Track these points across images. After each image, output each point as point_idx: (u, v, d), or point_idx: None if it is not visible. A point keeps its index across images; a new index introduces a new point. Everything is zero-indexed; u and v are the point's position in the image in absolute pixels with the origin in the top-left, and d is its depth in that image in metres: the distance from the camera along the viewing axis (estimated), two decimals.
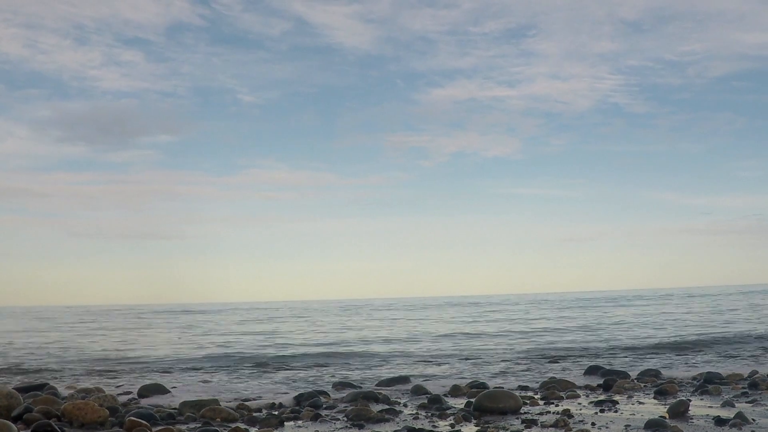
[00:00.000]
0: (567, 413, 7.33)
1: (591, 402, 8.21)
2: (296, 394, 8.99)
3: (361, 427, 6.88)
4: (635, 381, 9.90)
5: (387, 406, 8.04)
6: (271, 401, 8.68)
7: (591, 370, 10.69)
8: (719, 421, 6.64)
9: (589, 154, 66.87)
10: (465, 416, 7.22)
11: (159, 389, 9.28)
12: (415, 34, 61.75)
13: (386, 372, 12.20)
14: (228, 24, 60.68)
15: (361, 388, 9.39)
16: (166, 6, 61.02)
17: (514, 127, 65.72)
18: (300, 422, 7.23)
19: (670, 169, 67.41)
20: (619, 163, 67.06)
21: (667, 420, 6.72)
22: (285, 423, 7.11)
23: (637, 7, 62.14)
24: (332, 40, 61.24)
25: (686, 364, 12.79)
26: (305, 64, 63.84)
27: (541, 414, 7.42)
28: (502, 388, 9.06)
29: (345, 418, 7.30)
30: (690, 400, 7.87)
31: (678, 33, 62.72)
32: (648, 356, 14.29)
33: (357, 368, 13.07)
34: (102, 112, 63.38)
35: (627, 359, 13.72)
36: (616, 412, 7.56)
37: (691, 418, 6.99)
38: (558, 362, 13.22)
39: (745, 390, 8.93)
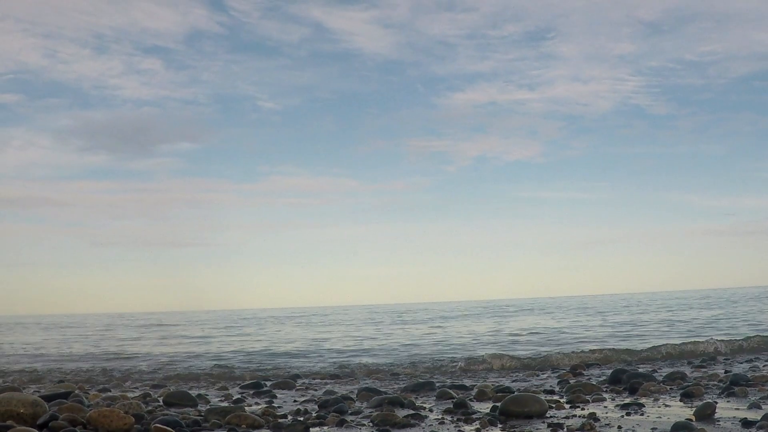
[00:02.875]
0: (593, 417, 7.32)
1: (617, 405, 8.19)
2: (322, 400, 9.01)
3: None
4: (661, 384, 9.87)
5: (412, 411, 8.05)
6: (297, 407, 8.71)
7: (616, 374, 10.65)
8: (746, 423, 6.61)
9: (610, 157, 66.85)
10: (491, 421, 7.22)
11: (184, 396, 9.31)
12: (434, 39, 61.94)
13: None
14: (247, 31, 61.06)
15: (386, 393, 9.39)
16: (185, 14, 61.43)
17: (536, 131, 65.86)
18: (326, 428, 7.25)
19: (693, 171, 67.28)
20: (640, 165, 66.98)
21: (693, 423, 6.70)
22: (311, 429, 7.13)
23: (656, 8, 62.11)
24: (351, 46, 61.52)
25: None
26: (325, 70, 64.14)
27: (567, 418, 7.41)
28: (528, 391, 9.06)
29: (370, 424, 7.31)
30: (716, 403, 7.84)
31: (698, 33, 62.64)
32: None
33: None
34: (123, 120, 63.88)
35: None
36: (642, 415, 7.54)
37: (718, 421, 6.96)
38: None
39: None
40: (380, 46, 62.98)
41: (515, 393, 8.62)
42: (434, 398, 9.38)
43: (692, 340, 17.67)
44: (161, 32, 63.26)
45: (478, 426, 7.08)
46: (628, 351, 16.10)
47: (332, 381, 12.28)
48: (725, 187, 70.03)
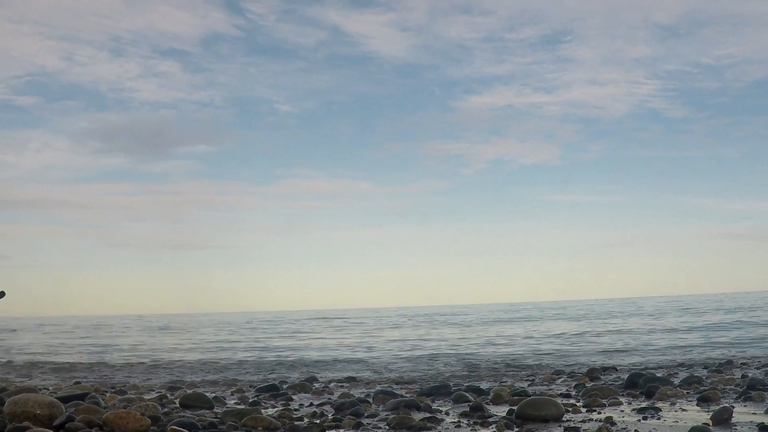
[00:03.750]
0: (610, 421, 7.31)
1: (634, 409, 8.17)
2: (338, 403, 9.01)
3: None
4: (678, 388, 9.85)
5: (428, 414, 8.05)
6: (313, 410, 8.73)
7: (633, 377, 10.62)
8: (763, 428, 6.59)
9: (627, 160, 66.68)
10: (507, 424, 7.22)
11: (201, 398, 9.34)
12: (451, 42, 61.93)
13: None
14: (264, 34, 61.19)
15: (402, 396, 9.40)
16: (202, 17, 61.63)
17: (552, 134, 65.80)
18: (342, 430, 7.26)
19: (709, 174, 67.02)
20: (657, 168, 66.78)
21: (710, 427, 6.68)
22: (327, 431, 7.14)
23: (673, 12, 61.95)
24: (368, 49, 61.57)
25: None
26: (342, 73, 64.22)
27: (583, 422, 7.40)
28: (544, 395, 9.05)
29: (387, 427, 7.32)
30: (733, 407, 7.82)
31: (714, 37, 62.43)
32: None
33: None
34: (140, 123, 64.13)
35: None
36: (659, 419, 7.52)
37: (735, 425, 6.94)
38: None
39: None
40: (397, 49, 63.04)
41: (531, 396, 8.61)
42: (450, 401, 9.38)
43: None
44: (178, 35, 63.52)
45: (494, 429, 7.08)
46: None
47: (348, 384, 12.29)
48: (742, 191, 69.74)
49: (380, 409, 8.67)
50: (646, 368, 13.52)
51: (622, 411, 8.14)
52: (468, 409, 8.26)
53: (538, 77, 64.85)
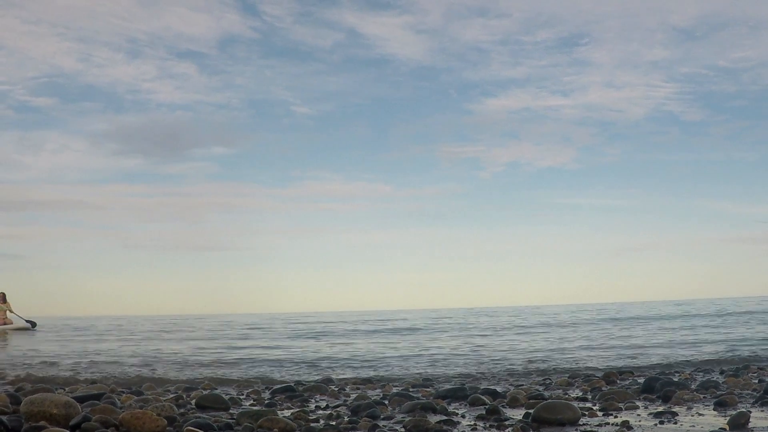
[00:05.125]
0: (626, 425, 7.29)
1: (650, 413, 8.15)
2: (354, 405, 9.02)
3: None
4: (694, 392, 9.81)
5: (445, 417, 8.06)
6: (329, 412, 8.74)
7: (650, 381, 10.59)
8: None
9: (644, 163, 66.43)
10: (523, 428, 7.21)
11: (217, 399, 9.36)
12: (467, 45, 61.82)
13: None
14: (280, 36, 61.22)
15: (419, 399, 9.40)
16: (218, 19, 61.71)
17: (569, 137, 65.54)
18: None
19: (726, 178, 66.65)
20: (674, 171, 66.48)
21: None
22: None
23: (689, 15, 61.68)
24: (384, 51, 61.49)
25: None
26: (358, 75, 64.18)
27: (599, 425, 7.39)
28: (560, 398, 9.03)
29: (403, 429, 7.33)
30: (750, 412, 7.78)
31: (731, 40, 62.12)
32: None
33: None
34: (157, 124, 64.27)
35: None
36: (675, 423, 7.50)
37: (752, 430, 6.91)
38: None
39: None
40: (413, 51, 62.94)
41: (548, 400, 8.59)
42: (466, 404, 9.37)
43: None
44: (195, 37, 63.59)
45: None
46: None
47: (363, 386, 12.29)
48: (759, 195, 69.22)
49: (396, 411, 8.67)
50: (662, 372, 13.48)
51: (638, 415, 8.12)
52: (484, 412, 8.26)
53: (554, 80, 64.65)
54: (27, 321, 35.09)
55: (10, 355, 21.20)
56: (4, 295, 34.91)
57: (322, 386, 11.52)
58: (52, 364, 17.63)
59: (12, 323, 34.81)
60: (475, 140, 68.50)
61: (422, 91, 64.91)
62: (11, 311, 34.97)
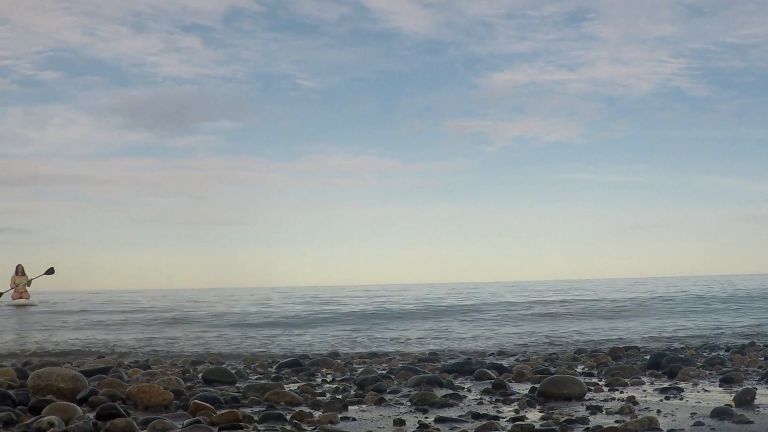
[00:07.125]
0: (632, 400, 7.30)
1: (656, 389, 8.17)
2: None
3: (425, 411, 6.92)
4: (700, 368, 9.82)
5: (451, 391, 8.08)
6: (335, 386, 8.76)
7: (656, 357, 10.59)
8: None
9: (650, 139, 66.06)
10: (529, 402, 7.23)
11: (224, 373, 9.39)
12: (473, 18, 61.35)
13: None
14: (286, 9, 60.87)
15: (425, 373, 9.42)
16: None
17: (575, 111, 65.18)
18: (364, 406, 7.29)
19: (733, 155, 66.26)
20: (680, 148, 66.07)
21: (733, 408, 6.66)
22: (349, 407, 7.17)
23: None
24: (391, 25, 61.15)
25: None
26: (365, 49, 63.76)
27: (605, 401, 7.40)
28: (566, 373, 9.04)
29: (409, 403, 7.34)
30: (756, 389, 7.79)
31: (739, 16, 61.67)
32: None
33: None
34: (162, 98, 64.00)
35: None
36: (681, 399, 7.51)
37: (758, 407, 6.92)
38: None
39: None
40: (420, 25, 62.56)
41: (554, 375, 8.62)
42: (473, 379, 9.38)
43: None
44: (200, 10, 63.17)
45: (516, 407, 7.09)
46: None
47: (370, 359, 12.32)
48: (766, 172, 68.87)
49: (402, 385, 8.69)
50: (668, 348, 13.49)
51: (644, 391, 8.13)
52: (490, 387, 8.27)
53: (561, 54, 64.19)
54: (45, 272, 32.59)
55: (17, 330, 21.30)
56: (22, 267, 33.81)
57: (328, 360, 11.54)
58: (59, 340, 17.70)
59: (29, 297, 33.82)
60: (482, 114, 68.33)
61: (429, 65, 64.51)
62: (28, 284, 33.58)
